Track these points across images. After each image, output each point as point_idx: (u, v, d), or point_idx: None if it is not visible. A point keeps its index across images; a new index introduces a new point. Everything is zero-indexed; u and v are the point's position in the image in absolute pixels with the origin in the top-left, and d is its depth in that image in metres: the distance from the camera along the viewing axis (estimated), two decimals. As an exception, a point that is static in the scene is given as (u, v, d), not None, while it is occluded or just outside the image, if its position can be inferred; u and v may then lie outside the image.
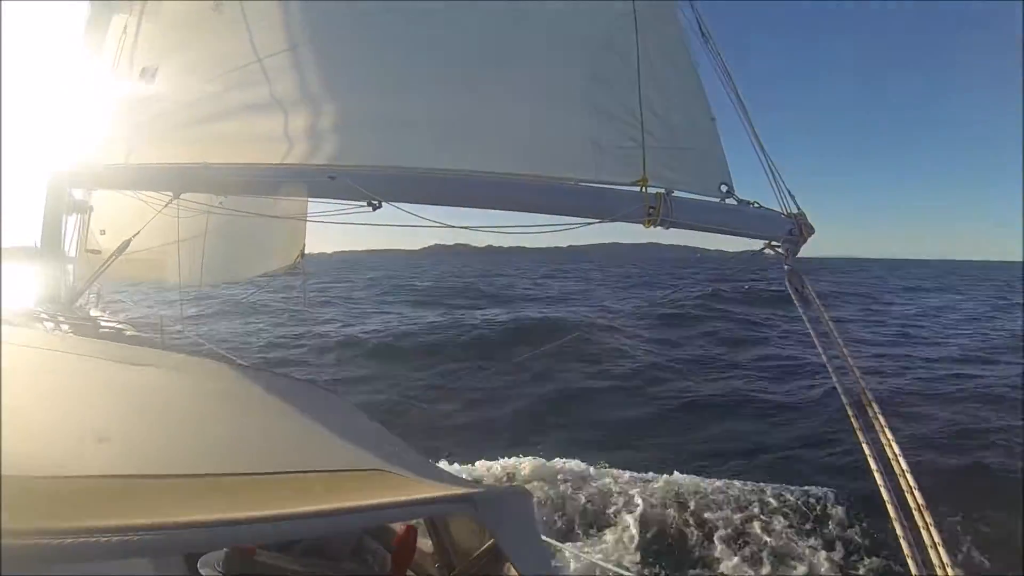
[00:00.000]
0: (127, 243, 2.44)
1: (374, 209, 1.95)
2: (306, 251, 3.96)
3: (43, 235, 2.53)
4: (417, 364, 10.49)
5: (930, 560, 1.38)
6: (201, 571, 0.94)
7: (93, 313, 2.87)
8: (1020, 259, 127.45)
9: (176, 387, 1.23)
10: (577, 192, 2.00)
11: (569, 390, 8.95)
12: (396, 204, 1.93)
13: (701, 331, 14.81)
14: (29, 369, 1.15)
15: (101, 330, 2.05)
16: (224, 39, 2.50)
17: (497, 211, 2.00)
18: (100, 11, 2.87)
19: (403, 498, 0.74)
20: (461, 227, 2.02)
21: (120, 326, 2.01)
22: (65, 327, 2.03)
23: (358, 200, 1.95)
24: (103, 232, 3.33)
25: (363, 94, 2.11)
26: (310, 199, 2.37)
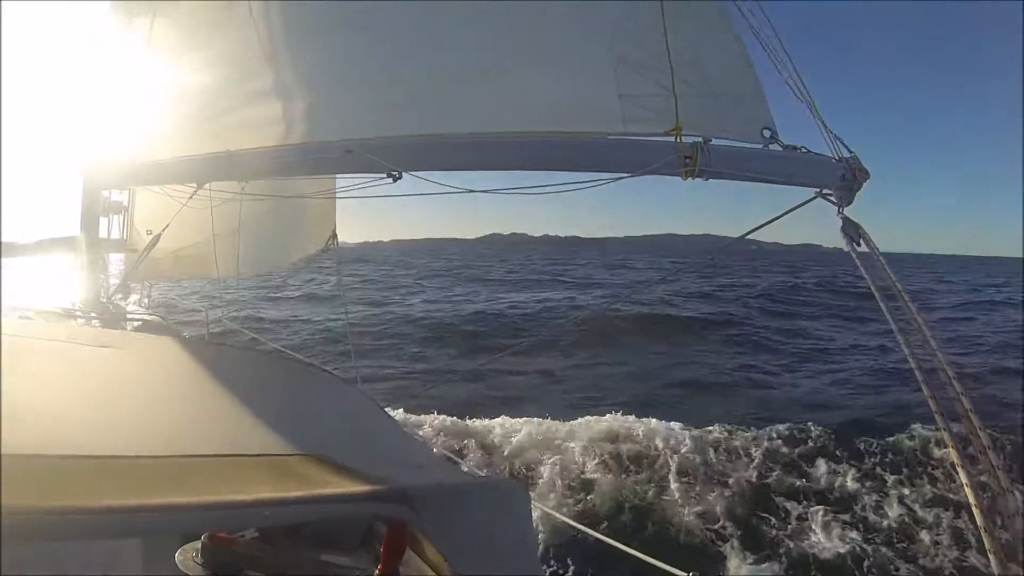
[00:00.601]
0: (157, 238, 2.47)
1: (395, 180, 1.87)
2: (346, 239, 3.97)
3: (81, 237, 2.60)
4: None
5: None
6: (177, 562, 0.86)
7: (129, 308, 2.96)
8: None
9: (130, 367, 1.19)
10: (606, 146, 1.87)
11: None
12: (416, 173, 1.85)
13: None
14: None
15: (127, 320, 2.06)
16: (238, 31, 2.49)
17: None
18: (120, 12, 2.92)
19: (298, 494, 0.62)
20: (481, 191, 1.92)
21: (148, 317, 2.03)
22: (95, 322, 2.06)
23: (377, 172, 1.88)
24: (149, 232, 3.44)
25: (377, 64, 2.04)
26: (337, 176, 2.33)
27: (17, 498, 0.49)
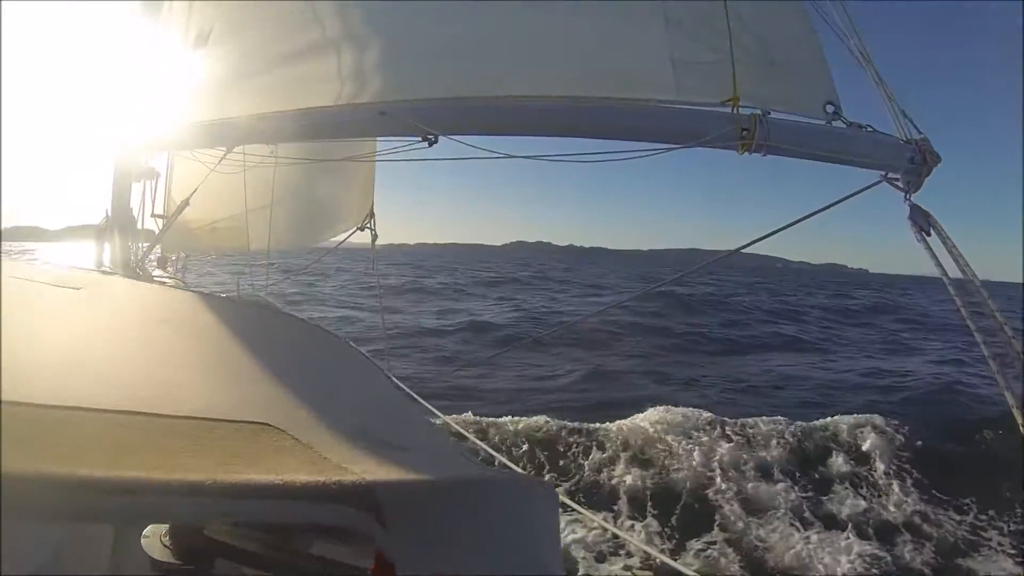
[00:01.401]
0: (185, 203, 2.44)
1: (430, 144, 1.78)
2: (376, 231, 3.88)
3: (113, 202, 2.59)
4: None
5: None
6: (144, 544, 0.74)
7: (156, 273, 2.95)
8: None
9: (90, 312, 1.11)
10: (657, 113, 1.75)
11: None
12: (454, 136, 1.75)
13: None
14: None
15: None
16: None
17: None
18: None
19: (227, 479, 0.46)
20: (522, 156, 1.81)
21: (170, 281, 1.98)
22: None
23: (413, 135, 1.79)
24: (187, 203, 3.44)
25: (414, 23, 1.95)
26: (378, 138, 2.25)
27: None
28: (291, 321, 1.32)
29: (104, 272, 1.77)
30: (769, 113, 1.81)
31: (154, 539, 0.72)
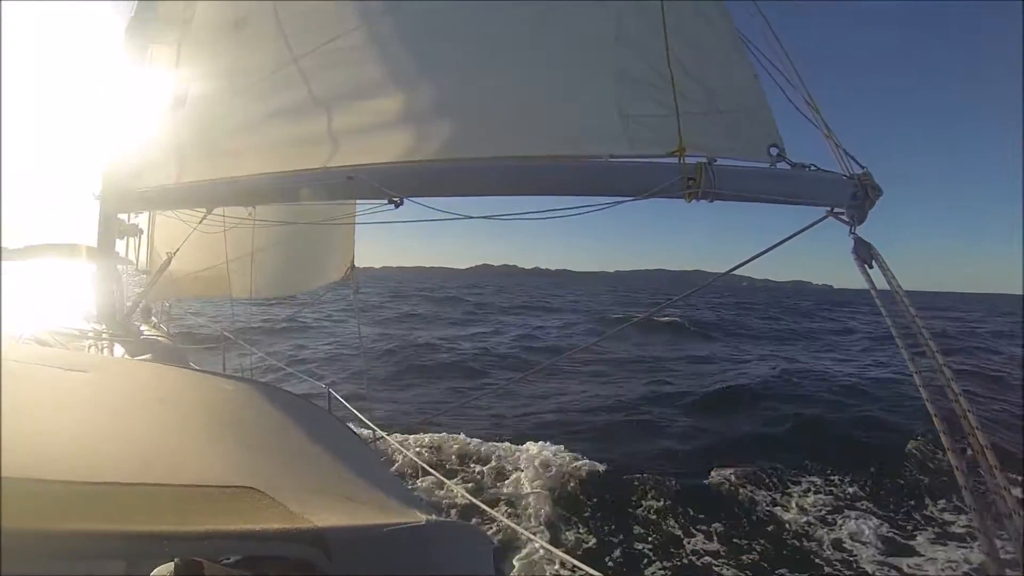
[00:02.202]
0: (169, 260, 2.52)
1: (396, 207, 1.88)
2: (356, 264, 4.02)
3: (98, 259, 2.67)
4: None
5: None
6: None
7: (144, 328, 3.03)
8: None
9: (92, 393, 1.19)
10: (608, 168, 1.85)
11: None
12: (416, 200, 1.85)
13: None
14: None
15: (142, 339, 2.10)
16: (243, 56, 2.54)
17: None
18: (133, 44, 3.00)
19: (213, 528, 0.61)
20: (484, 217, 1.92)
21: (162, 338, 2.07)
22: (115, 344, 2.10)
23: (379, 198, 1.89)
24: (168, 254, 3.53)
25: (377, 92, 2.06)
26: (358, 201, 2.36)
27: None
28: (275, 394, 1.44)
29: (104, 354, 1.87)
30: (715, 161, 1.92)
31: None
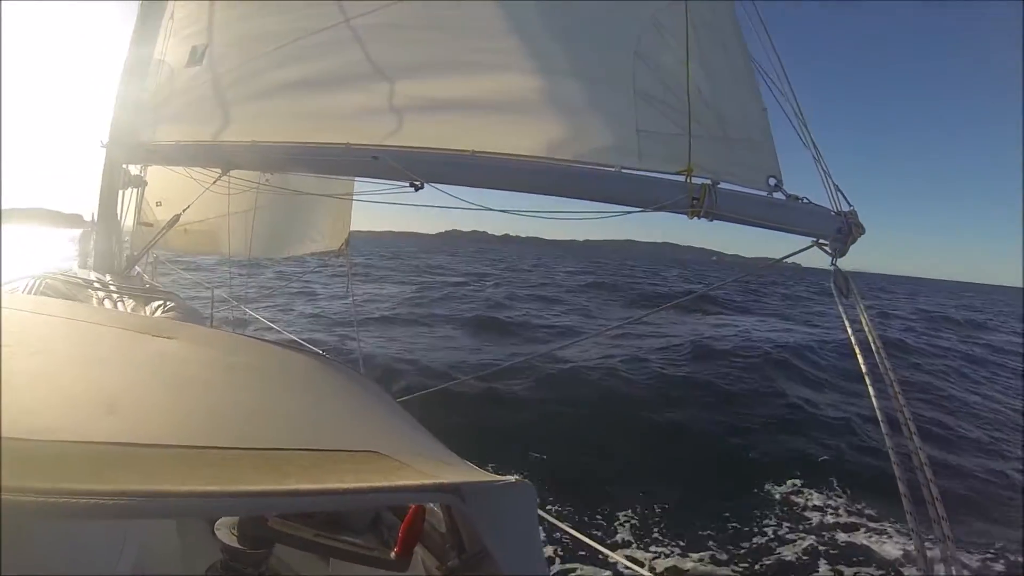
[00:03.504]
0: (177, 217, 2.53)
1: (416, 190, 1.96)
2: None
3: (99, 207, 2.65)
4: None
5: None
6: (217, 533, 0.98)
7: (147, 281, 3.01)
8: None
9: (191, 359, 1.24)
10: (620, 179, 1.96)
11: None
12: (437, 185, 1.93)
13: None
14: (43, 336, 1.17)
15: (148, 297, 2.12)
16: (268, 17, 2.55)
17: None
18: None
19: (381, 484, 0.73)
20: (504, 211, 2.01)
21: (167, 295, 2.09)
22: (115, 295, 2.12)
23: (401, 180, 1.96)
24: (159, 204, 3.48)
25: (408, 75, 2.12)
26: (356, 179, 2.40)
27: (76, 482, 0.55)
28: (330, 363, 1.55)
29: (171, 318, 1.89)
30: (719, 183, 2.06)
31: (224, 529, 0.95)
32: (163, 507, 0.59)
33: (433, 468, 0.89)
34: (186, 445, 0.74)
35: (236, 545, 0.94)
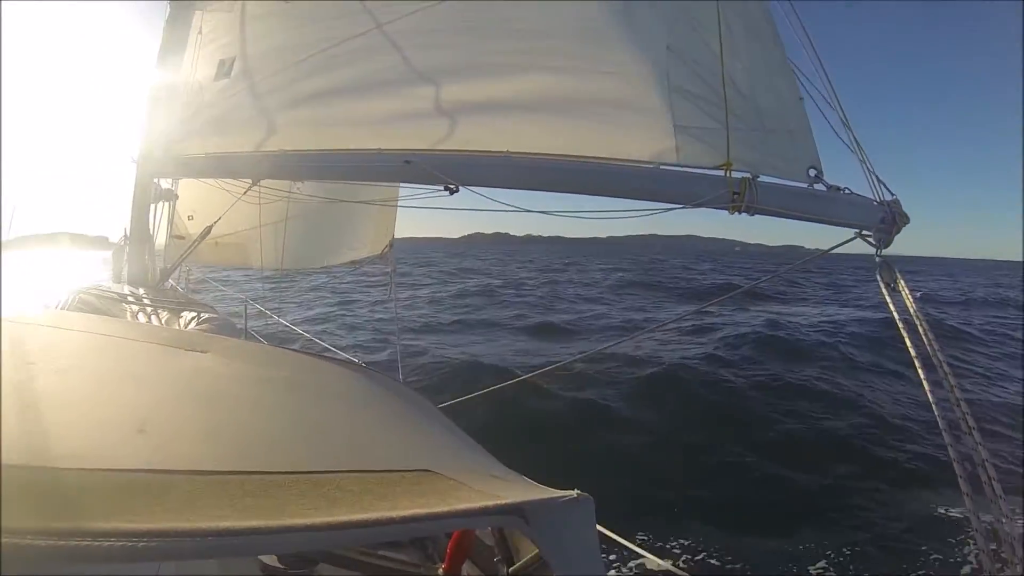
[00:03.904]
0: (209, 229, 2.54)
1: (451, 194, 1.93)
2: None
3: (132, 221, 2.67)
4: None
5: None
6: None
7: (180, 291, 3.02)
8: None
9: (226, 375, 1.19)
10: (658, 176, 1.92)
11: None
12: (473, 188, 1.91)
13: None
14: (69, 352, 1.13)
15: (182, 309, 2.11)
16: (297, 28, 2.56)
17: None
18: (178, 9, 3.00)
19: (444, 509, 0.68)
20: (544, 212, 1.98)
21: (204, 311, 2.08)
22: (149, 308, 2.12)
23: (435, 184, 1.94)
24: (191, 218, 3.51)
25: (439, 78, 2.10)
26: (401, 185, 2.38)
27: (100, 518, 0.50)
28: (376, 377, 1.47)
29: (205, 330, 1.85)
30: (758, 177, 2.01)
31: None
32: (199, 548, 0.52)
33: (490, 486, 0.84)
34: (224, 471, 0.69)
35: (277, 565, 0.91)
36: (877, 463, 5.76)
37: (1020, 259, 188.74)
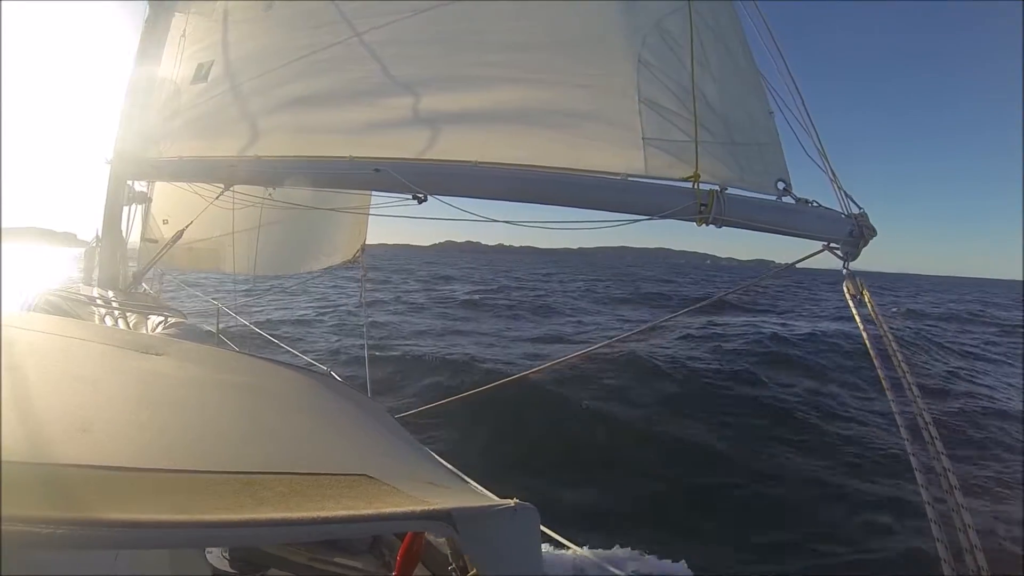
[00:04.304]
0: (180, 233, 2.52)
1: (420, 203, 1.94)
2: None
3: (103, 223, 2.65)
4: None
5: None
6: (208, 557, 0.94)
7: (152, 294, 3.00)
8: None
9: (177, 377, 1.20)
10: (626, 188, 1.93)
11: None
12: (440, 197, 1.91)
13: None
14: (22, 352, 1.13)
15: (150, 313, 2.10)
16: (274, 35, 2.56)
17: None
18: (158, 11, 2.98)
19: (367, 512, 0.70)
20: (510, 223, 1.98)
21: (171, 314, 2.06)
22: (117, 311, 2.10)
23: (403, 193, 1.94)
24: (166, 222, 3.48)
25: (413, 89, 2.11)
26: (373, 193, 2.38)
27: (36, 508, 0.53)
28: (331, 383, 1.49)
29: (168, 335, 1.84)
30: (726, 189, 2.03)
31: (216, 552, 0.92)
32: (104, 538, 0.55)
33: (425, 492, 0.85)
34: (160, 468, 0.71)
35: (228, 569, 0.92)
36: (850, 463, 5.88)
37: (981, 275, 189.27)
